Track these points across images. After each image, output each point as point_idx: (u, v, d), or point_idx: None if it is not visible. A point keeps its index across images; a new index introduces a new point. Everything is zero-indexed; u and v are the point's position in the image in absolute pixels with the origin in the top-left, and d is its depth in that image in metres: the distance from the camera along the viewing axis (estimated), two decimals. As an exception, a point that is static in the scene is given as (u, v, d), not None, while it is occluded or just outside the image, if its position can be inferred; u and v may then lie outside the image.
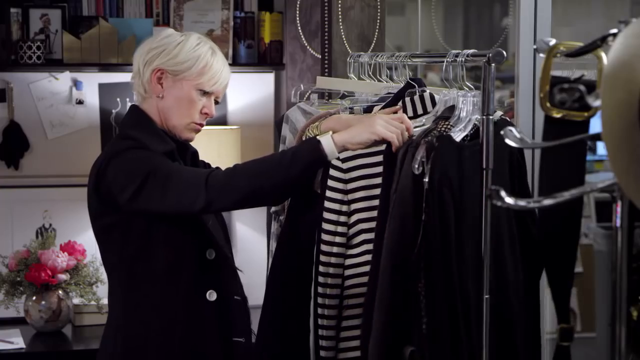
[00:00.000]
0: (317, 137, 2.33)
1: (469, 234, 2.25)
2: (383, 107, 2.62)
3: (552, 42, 2.14)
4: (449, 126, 2.36)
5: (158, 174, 2.44)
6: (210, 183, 2.38)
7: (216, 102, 2.63)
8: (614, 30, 1.78)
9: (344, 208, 2.53)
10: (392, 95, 2.66)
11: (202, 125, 2.61)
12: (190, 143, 2.70)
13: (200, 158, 2.75)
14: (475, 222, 2.24)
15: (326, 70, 3.77)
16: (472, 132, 2.42)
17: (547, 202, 1.79)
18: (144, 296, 2.54)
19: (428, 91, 2.59)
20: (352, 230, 2.54)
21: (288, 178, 2.35)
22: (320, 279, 2.54)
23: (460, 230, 2.24)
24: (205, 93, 2.59)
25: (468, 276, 2.23)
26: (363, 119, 2.35)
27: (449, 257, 2.21)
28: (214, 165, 2.71)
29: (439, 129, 2.36)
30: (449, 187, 2.22)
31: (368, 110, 2.68)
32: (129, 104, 4.33)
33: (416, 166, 2.27)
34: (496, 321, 2.25)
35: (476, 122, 2.40)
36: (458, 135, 2.32)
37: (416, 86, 2.59)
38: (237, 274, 2.67)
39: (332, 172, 2.55)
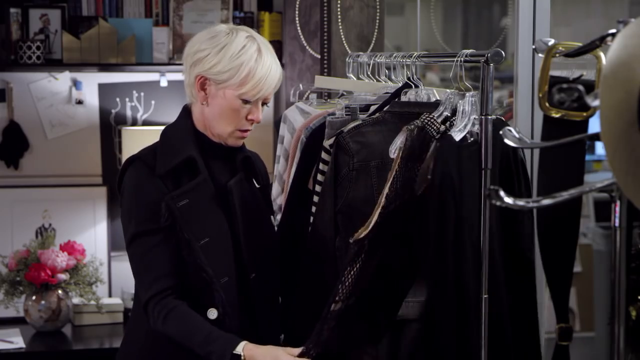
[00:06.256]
0: None
1: (468, 233, 2.26)
2: (380, 107, 2.62)
3: (551, 42, 2.15)
4: (433, 119, 2.36)
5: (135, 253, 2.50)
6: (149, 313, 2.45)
7: (265, 104, 2.53)
8: (613, 31, 1.78)
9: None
10: (390, 94, 2.66)
11: (247, 131, 2.52)
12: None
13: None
14: (474, 222, 2.25)
15: (325, 70, 3.77)
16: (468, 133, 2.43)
17: (546, 202, 1.80)
18: None
19: (423, 90, 2.60)
20: None
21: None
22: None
23: (460, 230, 2.25)
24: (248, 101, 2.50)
25: (470, 275, 2.24)
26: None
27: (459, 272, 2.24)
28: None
29: (423, 121, 2.36)
30: (451, 188, 2.22)
31: (365, 109, 2.68)
32: (128, 104, 4.34)
33: (392, 150, 2.28)
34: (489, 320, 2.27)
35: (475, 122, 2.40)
36: (457, 135, 2.33)
37: (413, 86, 2.59)
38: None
39: (322, 166, 2.56)
